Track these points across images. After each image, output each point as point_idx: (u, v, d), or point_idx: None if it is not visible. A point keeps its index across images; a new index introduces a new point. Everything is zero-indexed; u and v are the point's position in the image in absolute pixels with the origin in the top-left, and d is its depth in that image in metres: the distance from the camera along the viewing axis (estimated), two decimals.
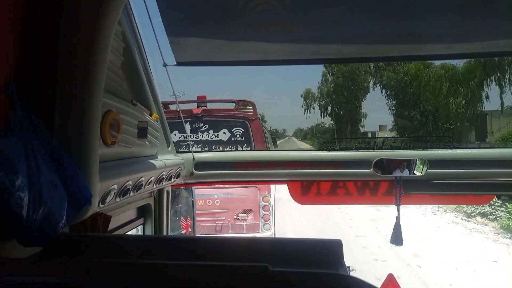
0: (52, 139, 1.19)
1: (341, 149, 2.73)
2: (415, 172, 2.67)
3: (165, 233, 2.53)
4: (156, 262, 0.88)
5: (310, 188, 2.74)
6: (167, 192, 2.61)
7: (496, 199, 2.79)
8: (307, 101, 55.13)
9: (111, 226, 1.72)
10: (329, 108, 53.35)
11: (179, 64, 2.28)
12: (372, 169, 2.62)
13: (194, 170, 2.79)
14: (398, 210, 2.63)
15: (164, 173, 2.26)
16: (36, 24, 1.25)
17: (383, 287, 2.94)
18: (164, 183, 2.34)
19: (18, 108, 1.09)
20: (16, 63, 1.19)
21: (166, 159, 2.38)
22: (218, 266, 0.87)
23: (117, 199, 1.69)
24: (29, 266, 0.89)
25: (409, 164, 2.66)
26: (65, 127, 1.28)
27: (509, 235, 10.14)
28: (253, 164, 2.75)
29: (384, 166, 2.66)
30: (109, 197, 1.57)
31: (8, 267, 0.85)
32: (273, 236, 6.50)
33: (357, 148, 2.72)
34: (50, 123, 1.24)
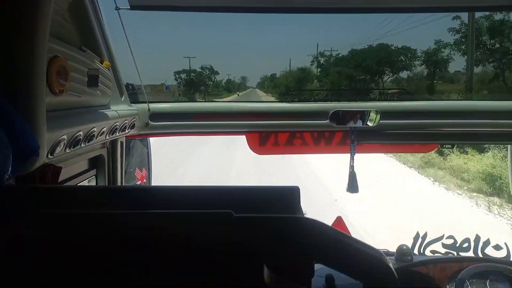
0: None
1: (300, 101, 2.75)
2: (368, 122, 2.75)
3: (119, 184, 2.49)
4: (113, 212, 0.87)
5: (268, 139, 2.78)
6: (121, 143, 2.53)
7: (440, 147, 2.97)
8: None
9: (62, 177, 1.66)
10: None
11: (133, 8, 2.13)
12: (328, 120, 2.68)
13: (149, 121, 2.72)
14: (352, 159, 2.74)
15: (117, 123, 2.18)
16: None
17: None
18: (117, 134, 2.26)
19: None
20: None
21: (120, 109, 2.29)
22: (180, 214, 0.88)
23: (68, 150, 1.62)
24: None
25: (363, 115, 2.74)
26: (8, 74, 1.18)
27: None
28: (211, 115, 2.71)
29: (339, 117, 2.72)
30: (58, 148, 1.49)
31: None
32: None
33: (315, 100, 2.76)
34: None
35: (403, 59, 34.29)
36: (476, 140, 3.11)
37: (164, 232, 0.84)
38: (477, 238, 3.00)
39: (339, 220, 3.07)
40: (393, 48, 34.54)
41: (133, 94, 2.75)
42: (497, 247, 2.98)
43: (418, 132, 2.77)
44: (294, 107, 2.73)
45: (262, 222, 0.92)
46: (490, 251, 2.95)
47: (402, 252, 2.79)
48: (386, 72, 34.86)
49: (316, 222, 0.94)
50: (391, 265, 0.96)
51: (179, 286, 0.86)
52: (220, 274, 0.91)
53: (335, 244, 0.95)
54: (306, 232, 0.94)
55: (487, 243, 2.97)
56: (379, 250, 1.00)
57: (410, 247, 2.90)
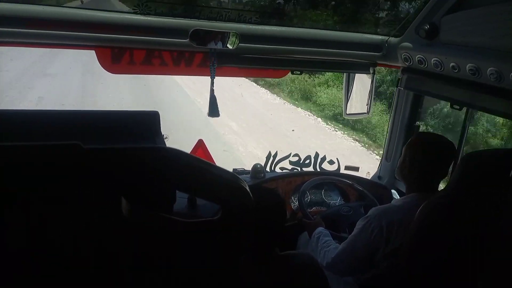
0: None
1: (157, 14, 2.49)
2: (228, 45, 2.70)
3: None
4: None
5: (122, 56, 2.49)
6: None
7: (290, 73, 3.14)
8: None
9: None
10: None
11: None
12: (188, 39, 2.52)
13: None
14: (212, 82, 2.69)
15: None
16: None
17: (193, 152, 3.17)
18: None
19: None
20: None
21: None
22: (23, 146, 0.74)
23: None
24: None
25: (223, 37, 2.66)
26: None
27: None
28: (51, 23, 2.20)
29: (200, 37, 2.59)
30: None
31: None
32: None
33: (174, 15, 2.54)
34: None
35: None
36: (319, 68, 3.40)
37: (6, 164, 0.71)
38: (316, 155, 3.43)
39: (200, 144, 3.10)
40: None
41: None
42: (331, 162, 3.47)
43: (273, 58, 2.86)
44: (151, 21, 2.47)
45: (115, 154, 0.85)
46: (325, 166, 3.43)
47: (256, 170, 3.03)
48: None
49: (173, 151, 0.93)
50: (246, 186, 1.00)
51: (26, 223, 0.81)
52: (73, 209, 0.83)
53: (192, 171, 0.95)
54: (164, 161, 0.91)
55: (323, 159, 3.43)
56: (234, 174, 1.03)
57: (263, 165, 3.16)
